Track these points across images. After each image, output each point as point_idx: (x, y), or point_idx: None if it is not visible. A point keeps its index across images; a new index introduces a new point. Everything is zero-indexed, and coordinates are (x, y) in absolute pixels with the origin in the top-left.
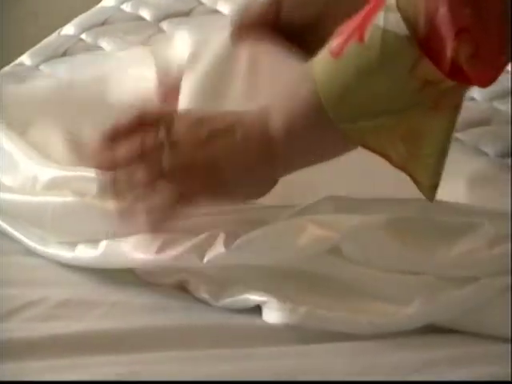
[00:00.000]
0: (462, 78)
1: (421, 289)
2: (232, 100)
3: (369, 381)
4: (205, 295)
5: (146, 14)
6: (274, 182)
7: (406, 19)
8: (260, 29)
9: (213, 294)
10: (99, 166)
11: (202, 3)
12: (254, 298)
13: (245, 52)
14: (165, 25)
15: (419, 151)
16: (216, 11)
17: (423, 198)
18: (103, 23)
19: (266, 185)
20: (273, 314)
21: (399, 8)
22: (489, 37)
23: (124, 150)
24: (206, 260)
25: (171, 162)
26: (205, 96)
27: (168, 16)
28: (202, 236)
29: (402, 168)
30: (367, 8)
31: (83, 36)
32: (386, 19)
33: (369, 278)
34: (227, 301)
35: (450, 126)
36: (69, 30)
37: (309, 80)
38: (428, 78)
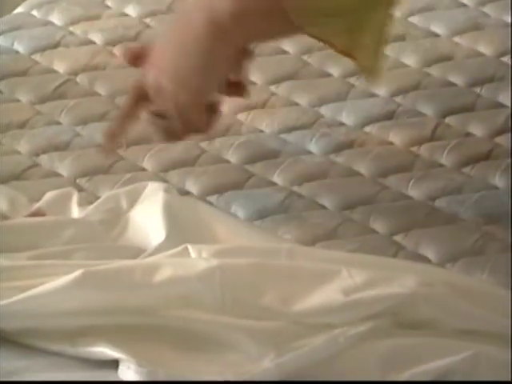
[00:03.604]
0: None
1: (276, 336)
2: None
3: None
4: (60, 346)
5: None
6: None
7: None
8: None
9: (68, 344)
10: None
11: (109, 7)
12: (111, 353)
13: None
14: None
15: (361, 40)
16: (124, 14)
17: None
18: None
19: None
20: (130, 375)
21: None
22: None
23: None
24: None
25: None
26: None
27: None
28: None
29: (347, 53)
30: None
31: None
32: None
33: (224, 328)
34: (82, 351)
35: (387, 18)
36: None
37: None
38: None
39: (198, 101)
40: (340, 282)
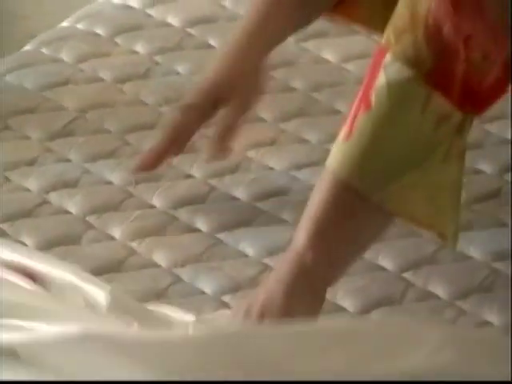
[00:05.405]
0: (471, 103)
1: None
2: None
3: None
4: None
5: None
6: (324, 294)
7: (407, 61)
8: None
9: None
10: None
11: (118, 45)
12: None
13: None
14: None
15: (440, 205)
16: (133, 51)
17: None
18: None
19: (316, 302)
20: None
21: (397, 57)
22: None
23: None
24: None
25: None
26: None
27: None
28: None
29: (431, 227)
30: (360, 91)
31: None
32: (388, 74)
33: None
34: None
35: (460, 175)
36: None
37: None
38: (440, 111)
39: None
40: None
